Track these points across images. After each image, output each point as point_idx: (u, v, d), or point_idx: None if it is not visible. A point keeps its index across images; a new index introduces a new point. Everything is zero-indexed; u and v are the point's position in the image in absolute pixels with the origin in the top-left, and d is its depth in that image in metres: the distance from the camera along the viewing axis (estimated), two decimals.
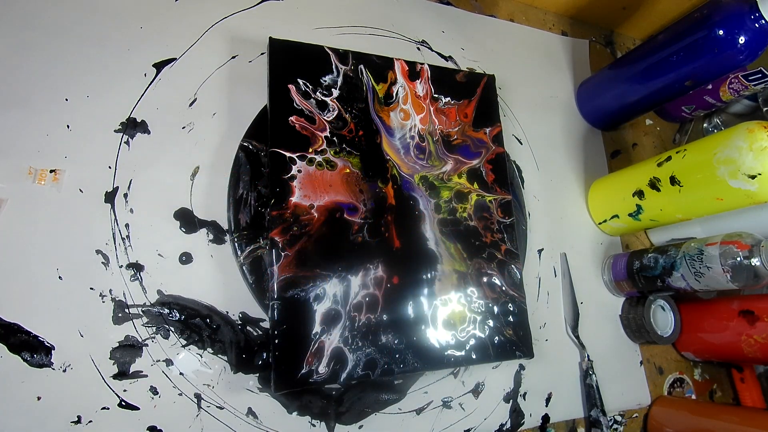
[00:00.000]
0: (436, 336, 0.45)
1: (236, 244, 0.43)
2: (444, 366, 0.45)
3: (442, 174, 0.51)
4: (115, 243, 0.40)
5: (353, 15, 0.55)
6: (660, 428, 0.56)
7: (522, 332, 0.49)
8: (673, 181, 0.51)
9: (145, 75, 0.44)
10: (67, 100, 0.41)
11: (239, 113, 0.46)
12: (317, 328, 0.41)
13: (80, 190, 0.40)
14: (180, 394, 0.39)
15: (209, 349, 0.40)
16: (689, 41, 0.52)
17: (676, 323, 0.58)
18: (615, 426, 0.55)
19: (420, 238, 0.47)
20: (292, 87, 0.46)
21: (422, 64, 0.53)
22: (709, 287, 0.50)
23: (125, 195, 0.41)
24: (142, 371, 0.38)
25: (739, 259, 0.47)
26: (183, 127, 0.44)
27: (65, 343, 0.36)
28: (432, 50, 0.59)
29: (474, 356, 0.46)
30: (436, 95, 0.53)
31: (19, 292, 0.36)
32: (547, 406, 0.52)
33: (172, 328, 0.40)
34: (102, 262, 0.39)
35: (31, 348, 0.36)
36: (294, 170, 0.44)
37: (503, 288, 0.50)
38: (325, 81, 0.48)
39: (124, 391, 0.37)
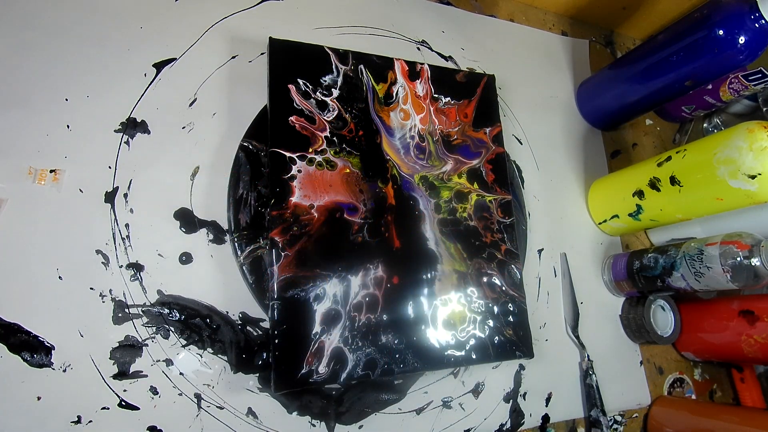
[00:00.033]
0: (436, 336, 0.45)
1: (236, 244, 0.43)
2: (444, 366, 0.45)
3: (442, 174, 0.51)
4: (115, 243, 0.40)
5: (353, 15, 0.55)
6: (660, 428, 0.56)
7: (522, 332, 0.49)
8: (673, 181, 0.51)
9: (145, 75, 0.44)
10: (67, 100, 0.41)
11: (239, 113, 0.46)
12: (317, 328, 0.41)
13: (80, 190, 0.40)
14: (180, 394, 0.39)
15: (209, 349, 0.40)
16: (689, 41, 0.52)
17: (676, 323, 0.58)
18: (615, 426, 0.55)
19: (420, 238, 0.47)
20: (292, 87, 0.46)
21: (422, 64, 0.53)
22: (709, 287, 0.50)
23: (125, 195, 0.41)
24: (142, 371, 0.38)
25: (739, 259, 0.47)
26: (183, 127, 0.44)
27: (65, 343, 0.36)
28: (432, 50, 0.59)
29: (474, 356, 0.46)
30: (436, 95, 0.53)
31: (19, 292, 0.36)
32: (547, 406, 0.52)
33: (172, 328, 0.40)
34: (102, 262, 0.39)
35: (31, 348, 0.36)
36: (294, 170, 0.44)
37: (503, 288, 0.50)
38: (325, 81, 0.48)
39: (124, 391, 0.37)
